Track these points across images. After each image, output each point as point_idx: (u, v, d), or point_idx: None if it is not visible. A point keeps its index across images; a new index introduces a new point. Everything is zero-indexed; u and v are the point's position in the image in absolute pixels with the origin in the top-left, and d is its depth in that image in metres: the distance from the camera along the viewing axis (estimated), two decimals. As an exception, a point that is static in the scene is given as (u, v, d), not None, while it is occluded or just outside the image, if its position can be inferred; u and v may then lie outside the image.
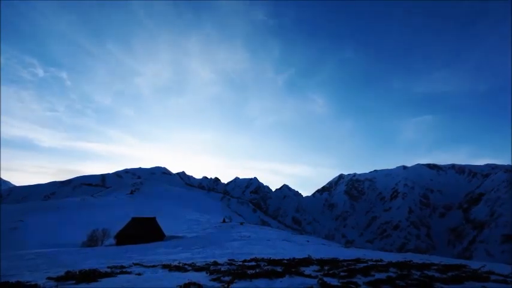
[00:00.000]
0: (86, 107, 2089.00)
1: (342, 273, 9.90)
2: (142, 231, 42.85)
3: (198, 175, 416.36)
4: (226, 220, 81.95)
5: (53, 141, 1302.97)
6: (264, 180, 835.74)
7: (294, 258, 15.69)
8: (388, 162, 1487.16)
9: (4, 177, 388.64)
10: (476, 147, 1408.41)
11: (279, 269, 11.06)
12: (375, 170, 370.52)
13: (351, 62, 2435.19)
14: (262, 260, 15.38)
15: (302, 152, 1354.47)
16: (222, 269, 11.61)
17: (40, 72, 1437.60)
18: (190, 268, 12.09)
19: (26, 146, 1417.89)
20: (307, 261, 13.82)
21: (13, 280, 9.01)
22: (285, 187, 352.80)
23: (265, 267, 11.69)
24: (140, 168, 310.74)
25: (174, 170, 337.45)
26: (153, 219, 46.46)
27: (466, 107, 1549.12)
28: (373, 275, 9.69)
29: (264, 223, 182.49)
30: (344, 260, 14.87)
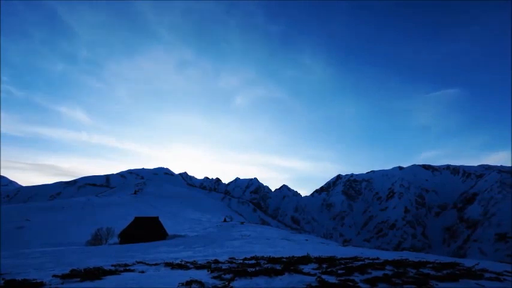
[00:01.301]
0: (34, 78, 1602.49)
1: (339, 271, 10.06)
2: (145, 230, 43.16)
3: (199, 175, 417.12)
4: (227, 219, 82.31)
5: (8, 125, 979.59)
6: (262, 178, 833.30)
7: (293, 257, 15.87)
8: (388, 160, 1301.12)
9: (10, 178, 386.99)
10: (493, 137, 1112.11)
11: (278, 267, 11.20)
12: (372, 171, 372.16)
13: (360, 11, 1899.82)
14: (262, 258, 15.59)
15: (299, 142, 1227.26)
16: (223, 267, 11.78)
17: None
18: (191, 266, 12.28)
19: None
20: (306, 260, 14.03)
21: (19, 278, 9.19)
22: (284, 187, 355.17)
23: (265, 265, 11.84)
24: (143, 169, 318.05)
25: (176, 171, 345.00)
26: (156, 219, 46.71)
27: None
28: (370, 273, 9.86)
29: (264, 222, 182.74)
30: (342, 258, 15.09)
